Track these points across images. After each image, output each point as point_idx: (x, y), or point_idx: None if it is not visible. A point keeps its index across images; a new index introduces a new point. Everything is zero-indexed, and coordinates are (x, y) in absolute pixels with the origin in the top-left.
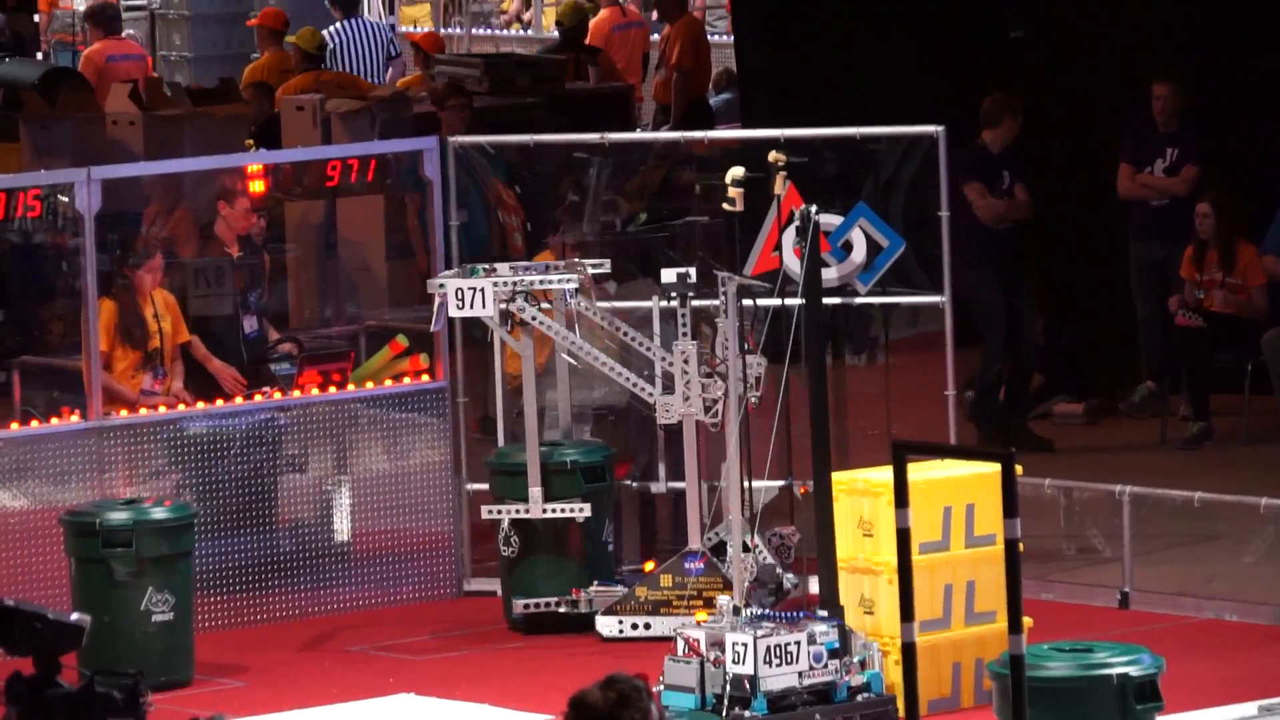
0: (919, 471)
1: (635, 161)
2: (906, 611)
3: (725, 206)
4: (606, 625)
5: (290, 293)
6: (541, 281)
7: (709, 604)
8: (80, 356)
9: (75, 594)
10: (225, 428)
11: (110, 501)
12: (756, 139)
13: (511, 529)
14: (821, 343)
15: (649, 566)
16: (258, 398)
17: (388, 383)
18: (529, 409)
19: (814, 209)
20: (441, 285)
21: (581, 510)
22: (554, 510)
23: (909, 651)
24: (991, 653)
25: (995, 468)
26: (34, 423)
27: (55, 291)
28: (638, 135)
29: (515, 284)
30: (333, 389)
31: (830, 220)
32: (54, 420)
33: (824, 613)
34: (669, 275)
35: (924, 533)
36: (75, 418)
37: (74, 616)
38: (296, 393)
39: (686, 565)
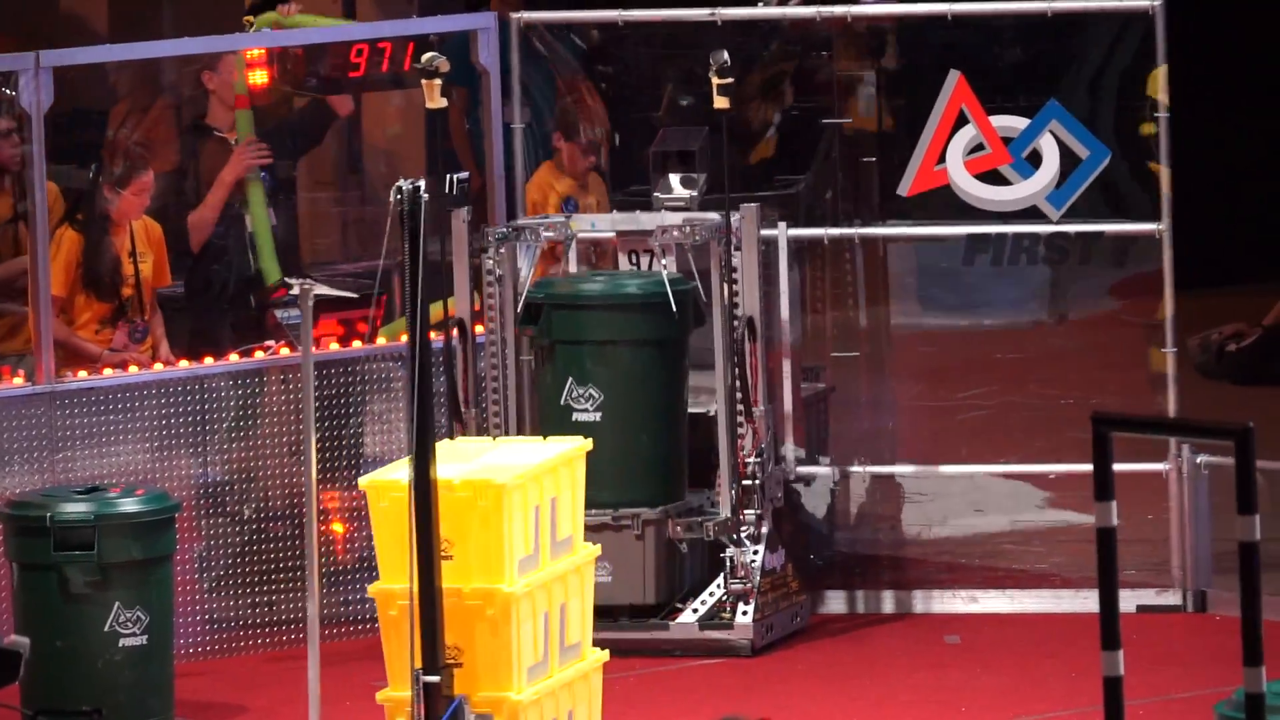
0: None
1: (756, 45)
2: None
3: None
4: None
5: (300, 217)
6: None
7: None
8: (24, 301)
9: (17, 610)
10: (215, 393)
11: (65, 489)
12: (916, 15)
13: None
14: None
15: None
16: (258, 354)
17: (431, 336)
18: None
19: None
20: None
21: None
22: None
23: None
24: None
25: None
26: None
27: None
28: (762, 10)
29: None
30: (357, 343)
31: (1012, 124)
32: None
33: None
34: None
35: None
36: (19, 380)
37: (9, 640)
38: None
39: None
